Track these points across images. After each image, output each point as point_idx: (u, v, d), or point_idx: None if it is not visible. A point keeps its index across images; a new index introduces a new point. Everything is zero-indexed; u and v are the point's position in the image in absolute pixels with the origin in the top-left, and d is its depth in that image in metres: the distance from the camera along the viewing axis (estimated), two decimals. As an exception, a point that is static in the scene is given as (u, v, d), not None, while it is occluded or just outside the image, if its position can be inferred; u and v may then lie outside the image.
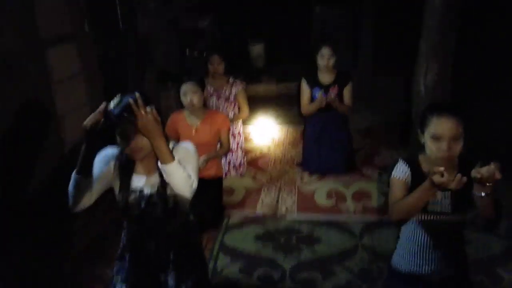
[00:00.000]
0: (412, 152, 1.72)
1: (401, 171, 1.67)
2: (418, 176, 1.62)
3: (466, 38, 4.13)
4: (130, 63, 4.31)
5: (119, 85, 3.94)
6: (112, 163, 1.65)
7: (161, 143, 1.48)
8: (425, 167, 1.65)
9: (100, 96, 3.52)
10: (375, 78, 5.39)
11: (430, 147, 1.58)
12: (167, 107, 4.40)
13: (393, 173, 1.69)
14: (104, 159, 1.64)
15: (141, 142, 1.53)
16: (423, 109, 1.69)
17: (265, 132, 4.87)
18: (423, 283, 1.71)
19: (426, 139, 1.60)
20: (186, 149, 1.67)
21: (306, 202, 3.42)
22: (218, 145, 2.95)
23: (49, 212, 2.57)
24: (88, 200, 1.58)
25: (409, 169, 1.65)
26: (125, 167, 1.65)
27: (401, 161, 1.69)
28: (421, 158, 1.68)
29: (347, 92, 3.48)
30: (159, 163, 1.53)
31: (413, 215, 1.63)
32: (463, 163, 1.62)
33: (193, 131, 2.77)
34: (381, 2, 5.64)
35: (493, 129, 3.97)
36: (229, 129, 2.92)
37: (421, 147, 1.65)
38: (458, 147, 1.55)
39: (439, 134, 1.54)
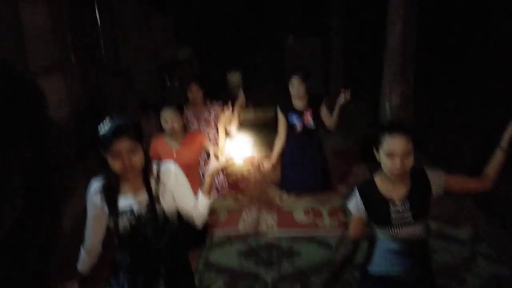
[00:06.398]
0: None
1: (354, 206, 1.83)
2: (374, 196, 1.79)
3: (425, 64, 4.54)
4: (113, 91, 4.48)
5: (102, 112, 4.10)
6: (96, 197, 1.73)
7: (213, 179, 1.83)
8: (380, 184, 1.81)
9: (85, 121, 3.68)
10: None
11: (385, 163, 1.71)
12: (148, 133, 4.56)
13: (349, 204, 1.86)
14: (90, 199, 1.76)
15: (134, 159, 1.63)
16: (376, 129, 1.83)
17: (244, 155, 5.05)
18: (393, 284, 1.86)
19: (381, 156, 1.73)
20: (180, 176, 1.82)
21: (285, 219, 3.59)
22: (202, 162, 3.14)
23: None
24: (100, 242, 1.86)
25: (361, 201, 1.80)
26: (111, 190, 1.73)
27: (356, 191, 1.84)
28: (376, 177, 1.83)
29: (325, 111, 3.72)
30: (199, 193, 1.81)
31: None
32: (414, 174, 1.79)
33: (174, 153, 2.90)
34: (348, 33, 6.06)
35: (450, 142, 4.31)
36: (208, 139, 3.11)
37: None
38: (409, 162, 1.69)
39: (392, 151, 1.68)
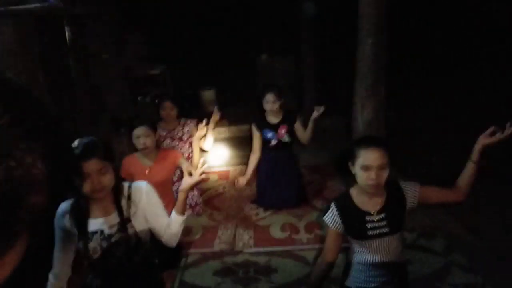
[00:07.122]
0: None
1: (331, 220, 1.83)
2: (350, 210, 1.81)
3: (396, 78, 4.67)
4: (84, 111, 4.38)
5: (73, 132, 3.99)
6: (65, 219, 1.68)
7: (187, 196, 1.78)
8: (356, 198, 1.83)
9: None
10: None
11: (361, 176, 1.73)
12: (120, 152, 4.45)
13: (326, 218, 1.85)
14: (58, 222, 1.70)
15: (103, 180, 1.60)
16: (352, 143, 1.87)
17: (219, 172, 5.02)
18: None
19: (357, 169, 1.75)
20: (152, 195, 1.78)
21: (262, 236, 3.56)
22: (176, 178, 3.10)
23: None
24: (69, 266, 1.77)
25: (338, 215, 1.81)
26: (80, 213, 1.68)
27: (333, 205, 1.85)
28: (352, 190, 1.85)
29: (299, 127, 3.75)
30: (173, 212, 1.77)
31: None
32: (389, 187, 1.82)
33: (147, 171, 2.84)
34: (320, 50, 6.18)
35: (421, 155, 4.43)
36: (182, 156, 3.04)
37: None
38: (385, 175, 1.72)
39: (367, 165, 1.70)
